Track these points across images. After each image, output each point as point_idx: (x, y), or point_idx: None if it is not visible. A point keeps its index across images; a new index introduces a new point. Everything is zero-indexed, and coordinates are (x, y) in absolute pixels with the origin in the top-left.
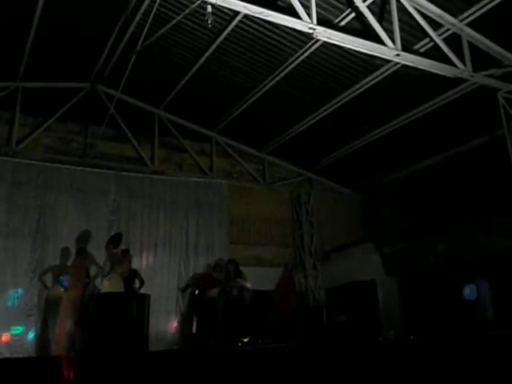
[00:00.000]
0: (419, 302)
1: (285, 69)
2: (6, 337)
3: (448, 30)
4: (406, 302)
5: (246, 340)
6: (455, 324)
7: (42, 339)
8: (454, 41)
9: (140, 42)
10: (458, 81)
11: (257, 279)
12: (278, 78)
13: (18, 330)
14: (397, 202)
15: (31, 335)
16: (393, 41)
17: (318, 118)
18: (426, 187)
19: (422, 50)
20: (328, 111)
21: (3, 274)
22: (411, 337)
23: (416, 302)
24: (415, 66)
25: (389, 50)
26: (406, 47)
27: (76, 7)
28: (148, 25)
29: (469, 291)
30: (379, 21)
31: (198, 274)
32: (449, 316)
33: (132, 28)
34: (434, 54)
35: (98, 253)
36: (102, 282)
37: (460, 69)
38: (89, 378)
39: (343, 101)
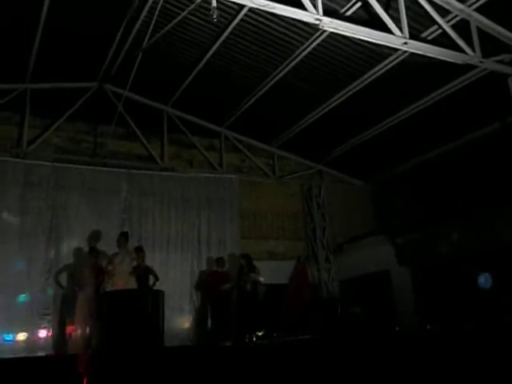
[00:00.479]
0: (433, 291)
1: (292, 61)
2: (22, 336)
3: (456, 16)
4: (420, 293)
5: (260, 334)
6: (470, 313)
7: (59, 338)
8: (462, 27)
9: (146, 40)
10: (468, 67)
11: (270, 273)
12: (285, 71)
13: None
14: (408, 192)
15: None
16: (400, 29)
17: (327, 109)
18: (437, 176)
19: (430, 38)
20: (336, 102)
21: (19, 275)
22: (428, 327)
23: (430, 292)
24: (423, 53)
25: (396, 39)
26: (414, 35)
27: (81, 7)
28: (153, 22)
29: (483, 280)
30: (386, 9)
31: (205, 272)
32: (463, 305)
33: (137, 26)
34: (443, 41)
35: (111, 251)
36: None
37: (469, 55)
38: (105, 374)
39: (352, 91)
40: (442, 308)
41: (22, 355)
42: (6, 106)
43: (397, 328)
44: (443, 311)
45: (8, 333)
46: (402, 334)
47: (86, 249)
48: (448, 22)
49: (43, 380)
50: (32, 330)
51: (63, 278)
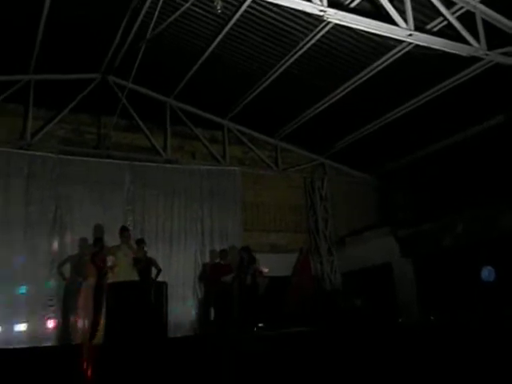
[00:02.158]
0: (436, 284)
1: (296, 53)
2: (24, 327)
3: (461, 7)
4: (423, 285)
5: (261, 325)
6: (472, 305)
7: (63, 328)
8: (467, 19)
9: (149, 31)
10: (473, 60)
11: (272, 265)
12: (289, 63)
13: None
14: (412, 185)
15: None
16: (405, 21)
17: (331, 102)
18: (441, 169)
19: (435, 30)
20: (340, 95)
21: (23, 265)
22: (431, 318)
23: (433, 285)
24: (428, 45)
25: (401, 31)
26: (419, 27)
27: None
28: (157, 13)
29: (487, 273)
30: (391, 1)
31: (208, 264)
32: (466, 297)
33: (141, 17)
34: (448, 32)
35: (114, 242)
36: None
37: (474, 47)
38: (109, 364)
39: (356, 84)
40: (444, 300)
41: (27, 345)
42: (10, 97)
43: (400, 320)
44: (446, 303)
45: (17, 323)
46: (405, 326)
47: (91, 240)
48: (453, 13)
49: (48, 370)
50: (36, 320)
51: (66, 269)
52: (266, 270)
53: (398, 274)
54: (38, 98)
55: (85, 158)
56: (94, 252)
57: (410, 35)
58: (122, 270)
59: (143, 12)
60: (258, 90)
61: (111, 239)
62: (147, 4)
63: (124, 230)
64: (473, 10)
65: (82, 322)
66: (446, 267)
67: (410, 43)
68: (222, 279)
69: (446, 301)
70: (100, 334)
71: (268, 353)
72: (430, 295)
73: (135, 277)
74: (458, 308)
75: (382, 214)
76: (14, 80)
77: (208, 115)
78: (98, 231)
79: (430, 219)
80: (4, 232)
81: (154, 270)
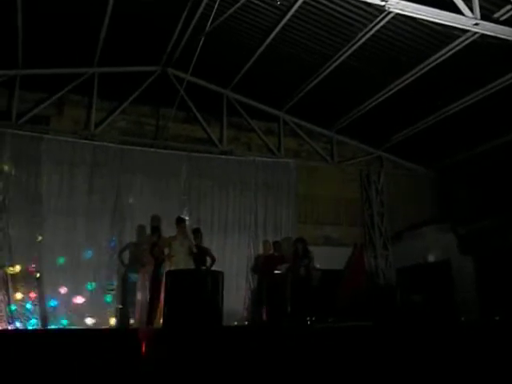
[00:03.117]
0: (498, 282)
1: (354, 44)
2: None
3: None
4: (484, 283)
5: (313, 318)
6: None
7: (123, 313)
8: None
9: (209, 24)
10: None
11: (325, 258)
12: (347, 54)
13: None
14: (472, 180)
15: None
16: (471, 9)
17: (389, 94)
18: (503, 163)
19: (502, 19)
20: (399, 87)
21: (86, 251)
22: (496, 318)
23: (494, 283)
24: (495, 35)
25: (467, 20)
26: (485, 15)
27: None
28: (216, 6)
29: None
30: None
31: (261, 255)
32: None
33: (201, 10)
34: None
35: (170, 230)
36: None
37: None
38: (166, 349)
39: (416, 75)
40: (507, 300)
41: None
42: (76, 89)
43: (462, 318)
44: (509, 303)
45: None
46: (468, 325)
47: (148, 228)
48: None
49: (105, 351)
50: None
51: (126, 256)
52: (317, 266)
53: (457, 271)
54: (102, 90)
55: (144, 149)
56: (153, 243)
57: (477, 24)
58: (178, 260)
59: (203, 4)
60: (315, 82)
61: (167, 228)
62: None
63: (180, 221)
64: None
65: (139, 308)
66: (509, 265)
67: (475, 33)
68: (275, 270)
69: (509, 301)
70: (158, 319)
71: (321, 346)
72: (492, 294)
73: (191, 266)
74: None
75: (440, 209)
76: (79, 73)
77: (264, 107)
78: (155, 220)
79: (492, 215)
80: (69, 219)
81: (208, 260)
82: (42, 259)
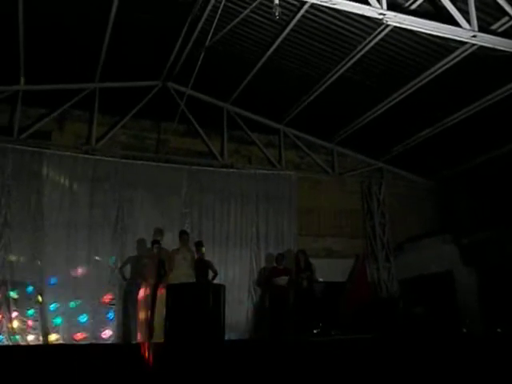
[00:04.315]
0: (500, 294)
1: (353, 57)
2: (81, 335)
3: None
4: (486, 295)
5: (316, 331)
6: None
7: (124, 327)
8: None
9: (209, 38)
10: None
11: (327, 271)
12: (346, 67)
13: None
14: (474, 191)
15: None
16: (468, 21)
17: (389, 105)
18: (505, 174)
19: (500, 30)
20: (399, 98)
21: (87, 266)
22: (498, 330)
23: (497, 295)
24: (493, 46)
25: (464, 32)
26: (483, 27)
27: (147, 8)
28: (216, 21)
29: None
30: (453, 1)
31: (265, 268)
32: None
33: (200, 25)
34: None
35: (172, 244)
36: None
37: None
38: (168, 364)
39: (415, 87)
40: (510, 311)
41: (88, 342)
42: (77, 104)
43: (464, 330)
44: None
45: (81, 314)
46: (470, 337)
47: (149, 241)
48: None
49: (107, 366)
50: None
51: (127, 270)
52: (320, 280)
53: (459, 282)
54: (103, 104)
55: (145, 163)
56: (153, 256)
57: (474, 36)
58: (180, 273)
59: (203, 20)
60: (315, 95)
61: (169, 242)
62: (207, 12)
63: (183, 234)
64: None
65: (140, 322)
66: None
67: (473, 45)
68: (275, 281)
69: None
70: (157, 333)
71: (324, 359)
72: (495, 306)
73: (193, 279)
74: None
75: (442, 220)
76: (80, 88)
77: (264, 120)
78: (157, 233)
79: (493, 226)
80: (71, 234)
81: (210, 273)
82: (43, 274)
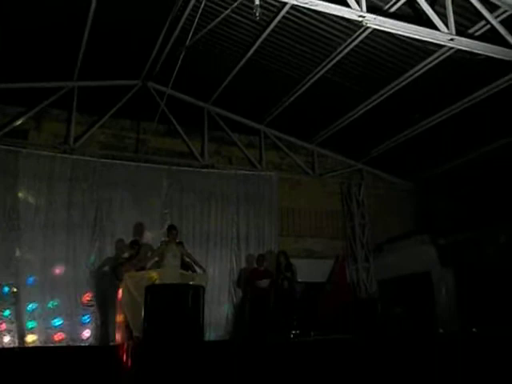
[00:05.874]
0: (477, 294)
1: (333, 59)
2: (59, 335)
3: (505, 11)
4: (464, 295)
5: (297, 332)
6: None
7: (102, 329)
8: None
9: (189, 38)
10: None
11: (308, 271)
12: (326, 69)
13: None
14: (452, 192)
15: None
16: (446, 25)
17: (369, 107)
18: (483, 176)
19: (477, 34)
20: (378, 100)
21: (65, 267)
22: (474, 330)
23: (474, 295)
24: (470, 50)
25: (442, 35)
26: (461, 31)
27: (126, 7)
28: (196, 20)
29: None
30: (431, 5)
31: (245, 269)
32: (509, 309)
33: (181, 24)
34: (491, 37)
35: (152, 244)
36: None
37: None
38: (147, 365)
39: (394, 89)
40: (487, 312)
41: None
42: (55, 103)
43: (440, 330)
44: (488, 315)
45: (56, 317)
46: (446, 337)
47: (128, 242)
48: (497, 17)
49: (85, 369)
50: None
51: (105, 272)
52: (299, 280)
53: (437, 283)
54: (81, 103)
55: (125, 163)
56: (130, 255)
57: (452, 40)
58: (169, 273)
59: (183, 19)
60: (295, 96)
61: (149, 241)
62: (187, 11)
63: (172, 229)
64: None
65: (119, 323)
66: (488, 277)
67: (451, 48)
68: (256, 283)
69: (489, 313)
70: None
71: (304, 359)
72: (472, 306)
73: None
74: (500, 319)
75: (420, 221)
76: (58, 86)
77: (245, 120)
78: (137, 232)
79: (471, 227)
80: (48, 234)
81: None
82: (19, 275)
